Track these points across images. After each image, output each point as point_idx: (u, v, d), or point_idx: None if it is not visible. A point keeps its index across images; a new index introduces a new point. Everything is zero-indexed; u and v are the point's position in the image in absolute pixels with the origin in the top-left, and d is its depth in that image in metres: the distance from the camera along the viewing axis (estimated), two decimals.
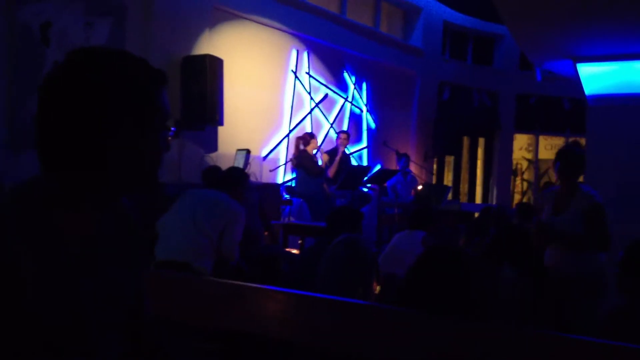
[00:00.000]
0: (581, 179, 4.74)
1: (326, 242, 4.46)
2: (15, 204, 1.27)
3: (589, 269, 4.34)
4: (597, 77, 8.24)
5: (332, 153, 9.59)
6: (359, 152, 11.58)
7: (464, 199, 14.36)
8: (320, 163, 9.28)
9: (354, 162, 10.83)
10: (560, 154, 4.59)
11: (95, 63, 1.37)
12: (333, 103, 10.96)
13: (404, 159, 10.75)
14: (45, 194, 1.31)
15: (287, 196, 9.08)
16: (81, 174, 1.33)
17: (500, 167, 14.52)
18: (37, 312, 1.22)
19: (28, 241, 1.23)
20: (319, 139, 9.84)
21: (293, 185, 9.40)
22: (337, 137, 9.89)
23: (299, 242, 7.94)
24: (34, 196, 1.30)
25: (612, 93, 8.11)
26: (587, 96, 8.35)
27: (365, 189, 10.12)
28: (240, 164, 7.79)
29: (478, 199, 14.57)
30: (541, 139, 15.43)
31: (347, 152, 10.24)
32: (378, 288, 5.26)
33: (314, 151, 9.26)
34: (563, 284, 4.29)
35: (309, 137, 9.24)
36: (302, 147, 9.13)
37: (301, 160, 9.04)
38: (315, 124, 10.48)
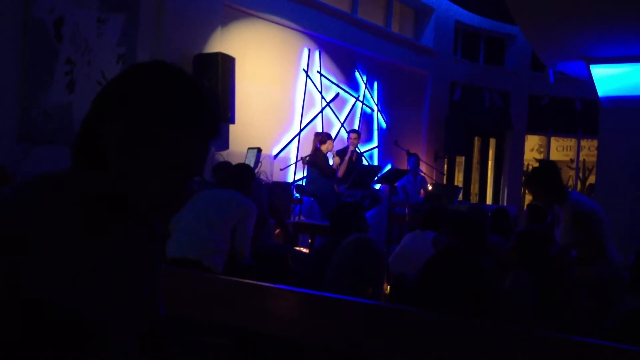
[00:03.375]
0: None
1: (334, 241, 4.46)
2: (42, 199, 1.27)
3: (599, 274, 4.32)
4: (610, 78, 8.20)
5: (342, 152, 9.59)
6: (369, 152, 11.56)
7: (474, 199, 14.34)
8: (331, 164, 9.31)
9: (364, 162, 10.82)
10: (524, 184, 4.63)
11: (150, 82, 1.33)
12: (344, 102, 10.95)
13: (412, 158, 10.73)
14: (74, 193, 1.31)
15: (297, 195, 9.08)
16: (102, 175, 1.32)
17: (511, 168, 14.48)
18: (55, 311, 1.21)
19: (49, 238, 1.22)
20: None
21: (303, 184, 9.40)
22: (348, 136, 9.88)
23: (309, 241, 7.95)
24: (63, 193, 1.30)
25: (625, 95, 8.07)
26: (600, 98, 8.31)
27: (376, 189, 10.12)
28: (251, 162, 7.79)
29: (489, 200, 14.53)
30: (553, 140, 15.41)
31: (359, 151, 10.23)
32: (388, 288, 5.25)
33: (328, 152, 9.28)
34: (580, 287, 4.28)
35: (326, 137, 9.27)
36: (318, 145, 9.16)
37: (315, 158, 9.05)
38: (327, 123, 10.48)
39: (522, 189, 15.02)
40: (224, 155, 7.97)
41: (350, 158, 9.50)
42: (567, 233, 4.36)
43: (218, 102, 7.35)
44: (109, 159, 1.30)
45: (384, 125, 11.86)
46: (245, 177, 5.31)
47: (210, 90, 7.34)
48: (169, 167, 1.31)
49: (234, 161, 6.88)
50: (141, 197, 1.33)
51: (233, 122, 7.88)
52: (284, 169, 9.45)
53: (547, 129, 14.93)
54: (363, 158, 10.79)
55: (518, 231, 4.66)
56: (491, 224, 6.24)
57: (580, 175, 15.62)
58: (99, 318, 1.30)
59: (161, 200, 1.34)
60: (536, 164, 16.32)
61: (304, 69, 9.98)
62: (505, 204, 13.78)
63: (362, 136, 10.88)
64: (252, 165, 7.47)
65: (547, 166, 4.55)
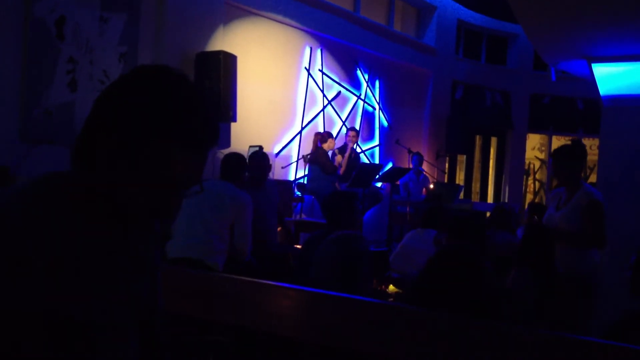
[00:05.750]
0: (593, 177, 4.80)
1: (325, 232, 4.46)
2: (43, 201, 1.27)
3: (583, 268, 4.36)
4: (612, 77, 8.18)
5: (341, 150, 9.62)
6: (371, 150, 11.56)
7: (475, 198, 14.34)
8: (335, 162, 9.33)
9: (365, 160, 10.83)
10: (553, 154, 4.63)
11: (149, 86, 1.32)
12: (346, 100, 10.95)
13: (415, 157, 10.75)
14: (74, 195, 1.32)
15: (298, 193, 9.09)
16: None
17: (512, 167, 14.48)
18: (53, 311, 1.21)
19: (50, 240, 1.22)
20: None
21: (305, 182, 9.41)
22: (346, 134, 9.91)
23: None
24: (63, 196, 1.30)
25: (627, 94, 8.05)
26: (602, 97, 8.29)
27: (377, 187, 10.13)
28: None
29: (490, 199, 14.53)
30: (554, 139, 15.40)
31: (359, 149, 10.24)
32: (391, 287, 5.26)
33: (329, 150, 9.29)
34: (560, 281, 4.32)
35: (327, 136, 9.29)
36: (319, 144, 9.18)
37: (317, 156, 9.07)
38: (328, 121, 10.48)
39: (524, 180, 15.05)
40: (224, 154, 7.98)
41: (350, 155, 9.52)
42: (573, 218, 4.39)
43: (218, 108, 7.32)
44: (103, 164, 1.30)
45: (385, 123, 11.86)
46: (237, 167, 5.15)
47: (211, 90, 7.34)
48: (161, 178, 1.30)
49: None
50: (134, 204, 1.33)
51: (235, 120, 7.88)
52: (285, 167, 9.46)
53: (549, 128, 14.92)
54: (363, 155, 10.80)
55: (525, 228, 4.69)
56: (491, 221, 6.24)
57: (582, 173, 15.59)
58: (98, 318, 1.30)
59: (154, 209, 1.34)
60: (537, 163, 16.40)
61: (305, 67, 9.99)
62: (506, 202, 13.78)
63: (364, 134, 10.89)
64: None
65: (581, 144, 4.62)
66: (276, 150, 9.42)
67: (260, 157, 5.96)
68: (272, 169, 8.85)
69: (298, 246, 6.96)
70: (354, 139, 9.70)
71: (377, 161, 11.54)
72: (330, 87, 10.53)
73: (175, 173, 1.30)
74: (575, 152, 4.53)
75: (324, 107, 10.37)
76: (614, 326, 2.95)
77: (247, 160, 5.53)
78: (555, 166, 4.58)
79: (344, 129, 10.62)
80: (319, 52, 10.25)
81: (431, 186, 10.54)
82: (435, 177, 11.84)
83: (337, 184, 9.17)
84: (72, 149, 1.35)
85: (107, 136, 1.28)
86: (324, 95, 10.35)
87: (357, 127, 10.68)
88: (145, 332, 1.57)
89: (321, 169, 9.06)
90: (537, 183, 16.72)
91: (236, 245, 4.70)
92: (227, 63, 7.58)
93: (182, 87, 1.33)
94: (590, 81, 8.58)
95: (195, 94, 1.34)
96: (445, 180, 12.88)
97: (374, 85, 11.57)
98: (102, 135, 1.29)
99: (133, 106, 1.29)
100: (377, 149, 11.73)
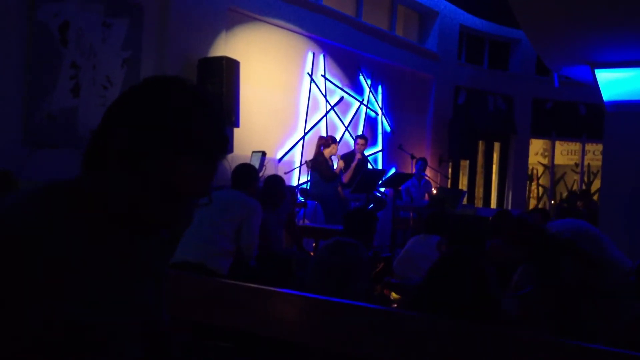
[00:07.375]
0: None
1: None
2: (52, 208, 1.27)
3: (608, 281, 4.31)
4: (615, 83, 8.18)
5: (348, 157, 9.55)
6: (374, 156, 11.55)
7: (479, 203, 14.32)
8: (335, 167, 9.28)
9: (368, 166, 10.81)
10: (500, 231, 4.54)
11: (158, 94, 1.33)
12: (348, 106, 10.95)
13: (420, 162, 10.73)
14: (83, 202, 1.32)
15: (301, 198, 9.08)
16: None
17: (515, 172, 14.47)
18: (56, 317, 1.21)
19: (57, 245, 1.22)
20: None
21: (308, 187, 9.39)
22: (355, 142, 9.84)
23: (313, 244, 7.94)
24: (72, 202, 1.30)
25: (630, 99, 8.05)
26: (605, 102, 8.29)
27: (379, 193, 10.10)
28: (255, 165, 7.79)
29: (493, 204, 14.51)
30: (557, 144, 15.40)
31: (363, 155, 10.22)
32: (393, 294, 5.24)
33: (331, 156, 9.25)
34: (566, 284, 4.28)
35: (330, 141, 9.21)
36: (321, 149, 9.13)
37: (316, 163, 9.04)
38: (331, 126, 10.47)
39: (528, 185, 15.02)
40: (228, 159, 7.97)
41: (357, 164, 9.45)
42: None
43: (225, 117, 7.31)
44: (113, 173, 1.30)
45: (388, 129, 11.86)
46: (248, 177, 5.24)
47: (214, 95, 7.34)
48: (170, 188, 1.30)
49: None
50: (143, 213, 1.33)
51: (237, 125, 7.89)
52: (288, 172, 9.43)
53: (552, 133, 14.92)
54: (367, 162, 10.78)
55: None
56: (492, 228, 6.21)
57: (585, 179, 15.61)
58: (100, 325, 1.30)
59: (163, 218, 1.35)
60: (541, 168, 16.39)
61: (308, 73, 9.99)
62: (509, 207, 13.76)
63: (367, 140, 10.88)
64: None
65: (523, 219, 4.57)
66: (279, 156, 9.42)
67: (273, 183, 6.04)
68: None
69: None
70: (362, 147, 9.65)
71: (380, 166, 11.52)
72: (332, 93, 10.53)
73: (184, 183, 1.31)
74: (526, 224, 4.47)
75: (327, 112, 10.36)
76: (619, 331, 2.94)
77: (262, 182, 5.66)
78: (511, 241, 4.49)
79: (347, 135, 10.62)
80: (321, 57, 10.25)
81: (434, 191, 10.53)
82: (438, 182, 11.83)
83: (340, 190, 9.15)
84: (83, 156, 1.35)
85: (118, 145, 1.29)
86: (327, 101, 10.35)
87: (360, 132, 10.68)
88: (148, 338, 1.56)
89: (319, 175, 9.04)
90: (540, 188, 16.72)
91: (242, 245, 4.75)
92: (229, 68, 7.59)
93: (193, 98, 1.33)
94: (593, 86, 8.58)
95: (207, 106, 1.35)
96: (448, 186, 12.87)
97: (376, 91, 11.57)
98: (113, 144, 1.29)
99: (144, 117, 1.30)
100: (380, 154, 11.72)
